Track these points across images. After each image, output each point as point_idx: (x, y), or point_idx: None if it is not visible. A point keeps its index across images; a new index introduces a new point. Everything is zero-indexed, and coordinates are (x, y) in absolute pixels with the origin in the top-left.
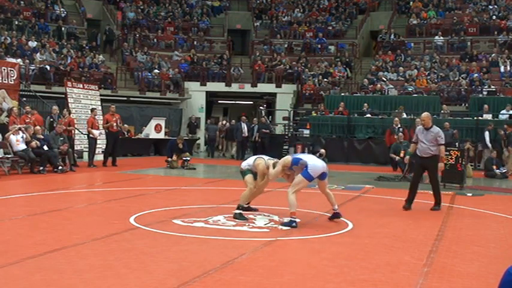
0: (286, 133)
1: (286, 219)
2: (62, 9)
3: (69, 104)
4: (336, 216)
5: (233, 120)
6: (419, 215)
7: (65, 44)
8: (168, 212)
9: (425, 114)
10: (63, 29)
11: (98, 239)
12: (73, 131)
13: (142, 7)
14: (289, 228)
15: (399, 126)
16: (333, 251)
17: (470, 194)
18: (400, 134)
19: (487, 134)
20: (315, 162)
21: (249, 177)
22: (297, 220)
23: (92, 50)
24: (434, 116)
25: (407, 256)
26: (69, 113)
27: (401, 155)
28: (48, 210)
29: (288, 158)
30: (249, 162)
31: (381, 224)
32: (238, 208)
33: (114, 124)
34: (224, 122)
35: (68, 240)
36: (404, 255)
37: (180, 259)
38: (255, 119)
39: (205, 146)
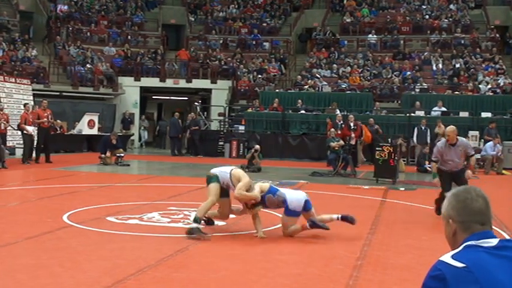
0: (222, 129)
1: None
2: None
3: (1, 99)
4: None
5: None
6: (353, 209)
7: None
8: (102, 209)
9: (450, 128)
10: None
11: (30, 238)
12: (4, 127)
13: (75, 0)
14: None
15: (341, 122)
16: (267, 246)
17: (402, 189)
18: (332, 130)
19: (416, 129)
20: (293, 196)
21: (213, 186)
22: None
23: (24, 43)
24: (367, 113)
25: (341, 250)
26: (1, 109)
27: (336, 148)
28: None
29: (266, 185)
30: (222, 169)
31: None
32: (195, 221)
33: (45, 120)
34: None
35: (0, 240)
36: (338, 249)
37: (114, 257)
38: (190, 114)
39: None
